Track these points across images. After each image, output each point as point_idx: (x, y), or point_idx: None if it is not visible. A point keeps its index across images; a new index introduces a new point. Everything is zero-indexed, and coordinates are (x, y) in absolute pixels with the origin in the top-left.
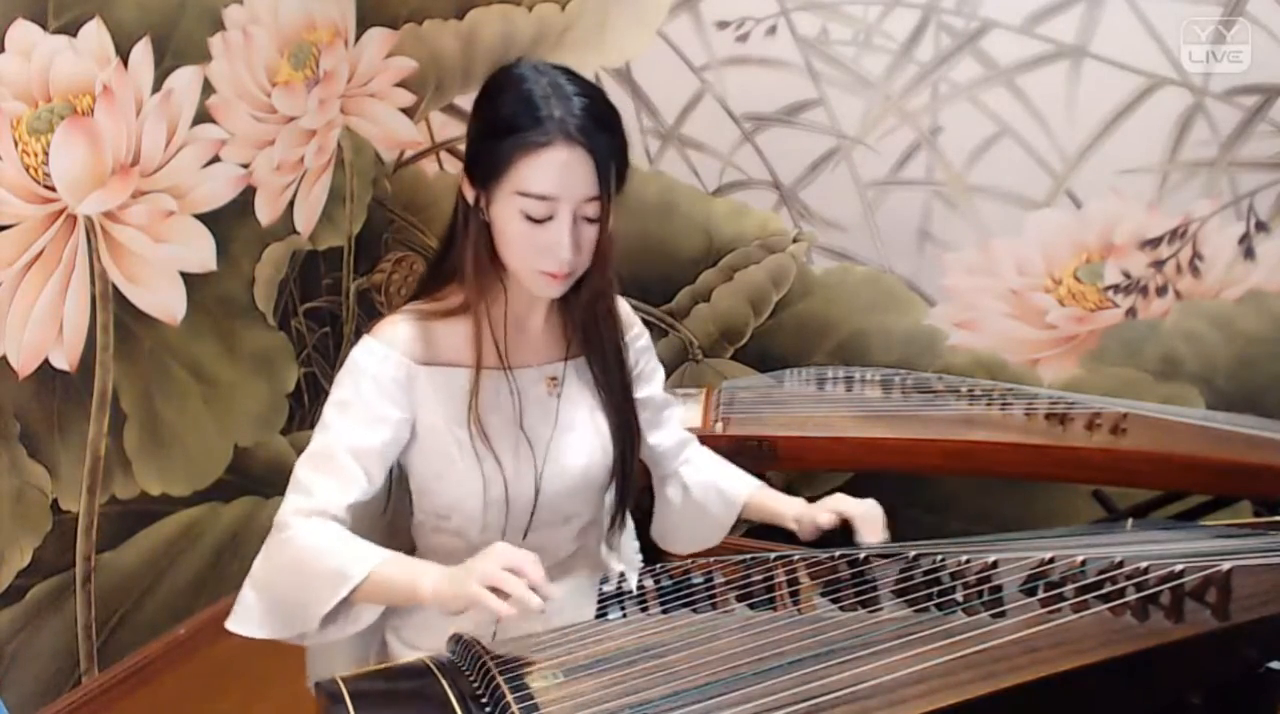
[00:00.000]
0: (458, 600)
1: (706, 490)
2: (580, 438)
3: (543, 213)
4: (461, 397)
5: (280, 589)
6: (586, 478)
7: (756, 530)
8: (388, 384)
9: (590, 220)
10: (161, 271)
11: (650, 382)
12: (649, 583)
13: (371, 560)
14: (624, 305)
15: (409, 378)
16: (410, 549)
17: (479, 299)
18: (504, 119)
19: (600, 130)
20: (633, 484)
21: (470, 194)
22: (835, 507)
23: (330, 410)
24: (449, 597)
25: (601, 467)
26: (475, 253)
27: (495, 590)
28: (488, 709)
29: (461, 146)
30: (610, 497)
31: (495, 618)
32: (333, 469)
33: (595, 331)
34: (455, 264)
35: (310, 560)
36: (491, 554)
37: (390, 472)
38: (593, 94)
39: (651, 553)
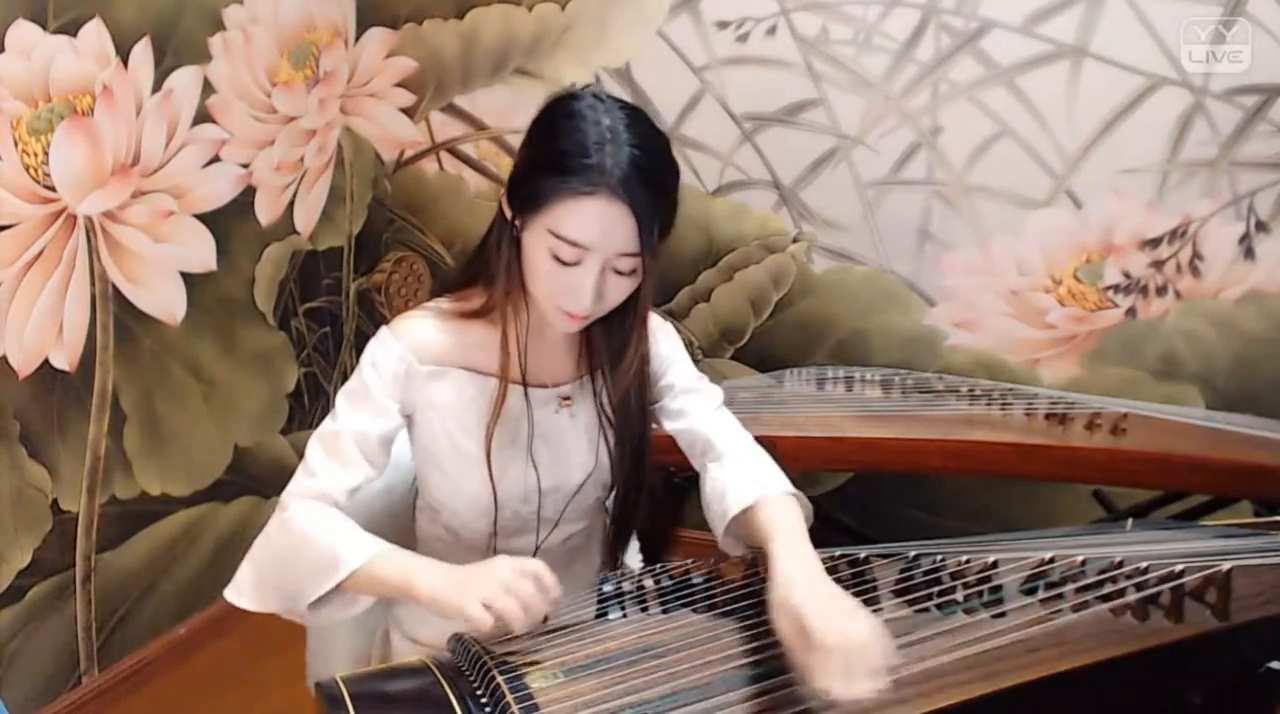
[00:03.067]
0: (451, 611)
1: (713, 494)
2: (584, 453)
3: (572, 257)
4: (468, 404)
5: (274, 569)
6: (583, 491)
7: None
8: (388, 376)
9: (620, 273)
10: (161, 271)
11: (666, 375)
12: (649, 583)
13: (364, 553)
14: (653, 317)
15: (408, 375)
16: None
17: (505, 305)
18: (553, 155)
19: (647, 188)
20: (637, 504)
21: (508, 212)
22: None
23: (340, 397)
24: (446, 605)
25: (599, 480)
26: (507, 266)
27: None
28: (488, 709)
29: (462, 146)
30: (612, 506)
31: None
32: (337, 454)
33: (616, 359)
34: (483, 268)
35: (304, 545)
36: (495, 570)
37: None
38: (648, 146)
39: (651, 553)
